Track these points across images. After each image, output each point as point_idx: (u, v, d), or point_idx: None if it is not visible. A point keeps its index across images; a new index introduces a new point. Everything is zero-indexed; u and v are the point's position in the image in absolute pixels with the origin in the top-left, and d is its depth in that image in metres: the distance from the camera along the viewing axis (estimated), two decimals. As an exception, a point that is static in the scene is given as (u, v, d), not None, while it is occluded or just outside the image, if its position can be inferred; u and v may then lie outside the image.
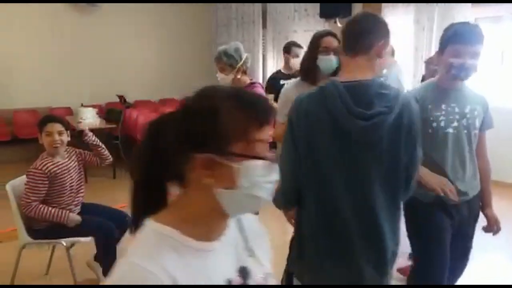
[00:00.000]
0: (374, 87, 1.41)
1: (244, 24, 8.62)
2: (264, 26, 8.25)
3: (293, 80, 2.58)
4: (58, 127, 2.74)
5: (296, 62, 4.12)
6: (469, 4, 5.32)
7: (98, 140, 3.05)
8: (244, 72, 2.82)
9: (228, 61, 2.76)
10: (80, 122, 3.01)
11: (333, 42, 2.24)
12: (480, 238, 2.19)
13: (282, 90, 2.48)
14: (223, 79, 2.82)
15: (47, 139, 2.72)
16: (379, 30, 1.50)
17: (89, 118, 6.12)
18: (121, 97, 7.25)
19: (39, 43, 7.22)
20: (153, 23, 8.48)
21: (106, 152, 3.07)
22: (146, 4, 8.24)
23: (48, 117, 2.87)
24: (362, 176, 1.42)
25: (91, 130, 5.91)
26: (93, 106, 6.55)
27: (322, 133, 1.41)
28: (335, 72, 2.17)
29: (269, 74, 7.61)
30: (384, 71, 3.09)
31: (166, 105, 7.93)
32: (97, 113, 6.36)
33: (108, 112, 6.48)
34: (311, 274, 1.52)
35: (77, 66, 7.57)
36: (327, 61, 2.22)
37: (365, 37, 1.47)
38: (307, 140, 1.43)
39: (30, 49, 7.14)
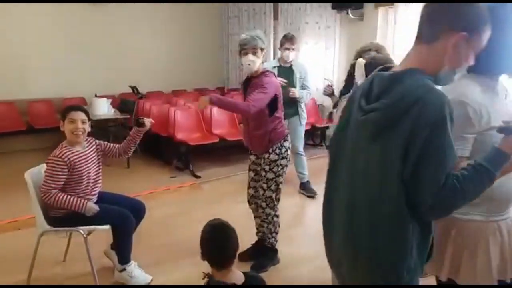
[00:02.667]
0: (393, 80, 1.29)
1: (256, 15, 8.60)
2: (276, 17, 8.23)
3: None
4: (82, 115, 2.80)
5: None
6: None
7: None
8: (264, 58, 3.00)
9: (262, 44, 2.91)
10: (150, 120, 3.07)
11: None
12: None
13: None
14: (253, 61, 2.90)
15: (69, 126, 2.76)
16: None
17: (103, 109, 6.22)
18: (133, 88, 7.33)
19: (53, 34, 7.30)
20: (165, 15, 8.51)
21: (133, 149, 3.14)
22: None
23: (72, 106, 2.93)
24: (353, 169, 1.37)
25: (104, 120, 6.09)
26: (106, 97, 6.62)
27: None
28: None
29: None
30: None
31: (178, 96, 7.97)
32: (110, 104, 6.43)
33: (122, 103, 6.55)
34: None
35: (90, 57, 7.64)
36: None
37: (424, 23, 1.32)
38: None
39: (44, 41, 7.23)
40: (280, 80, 3.56)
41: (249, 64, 2.92)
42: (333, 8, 6.77)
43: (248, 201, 3.28)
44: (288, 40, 4.61)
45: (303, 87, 4.70)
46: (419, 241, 1.29)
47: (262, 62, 3.03)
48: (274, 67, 4.59)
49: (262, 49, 2.92)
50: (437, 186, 1.18)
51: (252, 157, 3.19)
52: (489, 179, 1.24)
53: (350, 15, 6.70)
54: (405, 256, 1.27)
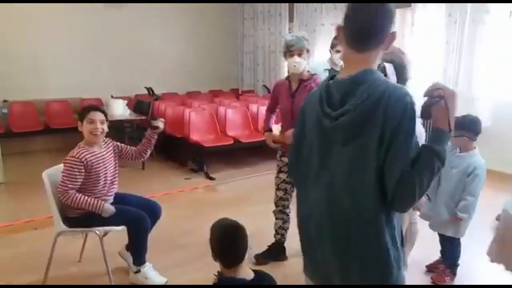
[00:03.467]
0: (354, 82, 1.33)
1: (271, 17, 8.59)
2: (291, 19, 8.21)
3: None
4: (101, 116, 2.81)
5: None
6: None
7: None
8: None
9: (308, 45, 2.91)
10: (163, 121, 3.09)
11: None
12: None
13: None
14: (299, 63, 2.90)
15: (88, 126, 2.77)
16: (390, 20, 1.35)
17: (119, 110, 6.26)
18: (149, 89, 7.37)
19: (70, 36, 7.40)
20: (181, 17, 8.56)
21: (149, 152, 3.14)
22: (174, -3, 8.31)
23: (91, 106, 2.93)
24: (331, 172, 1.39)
25: (121, 121, 6.13)
26: (122, 98, 6.67)
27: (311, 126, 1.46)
28: None
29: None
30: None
31: (192, 98, 7.99)
32: (126, 105, 6.47)
33: (137, 104, 6.59)
34: None
35: (107, 58, 7.73)
36: None
37: (373, 31, 1.33)
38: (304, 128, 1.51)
39: (62, 42, 7.33)
40: None
41: (294, 66, 2.91)
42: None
43: (275, 203, 3.25)
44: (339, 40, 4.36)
45: None
46: (397, 231, 1.36)
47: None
48: (326, 69, 4.22)
49: (308, 51, 2.92)
50: (401, 172, 1.24)
51: (286, 159, 3.13)
52: (437, 157, 1.27)
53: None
54: (391, 250, 1.33)
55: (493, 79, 5.45)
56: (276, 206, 3.25)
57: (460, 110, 2.26)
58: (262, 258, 3.20)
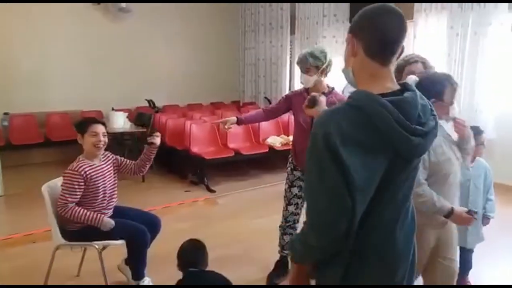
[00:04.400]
0: (418, 99, 1.25)
1: (272, 29, 8.62)
2: (292, 31, 8.23)
3: None
4: (103, 129, 2.81)
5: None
6: (506, 9, 5.16)
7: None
8: (325, 75, 2.93)
9: (314, 62, 2.86)
10: (158, 136, 3.07)
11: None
12: None
13: None
14: (307, 80, 2.90)
15: (91, 139, 2.75)
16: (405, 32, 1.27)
17: (120, 122, 6.25)
18: (150, 102, 7.37)
19: (71, 48, 7.42)
20: (182, 29, 8.59)
21: (148, 166, 3.11)
22: (175, 10, 8.37)
23: (93, 119, 2.92)
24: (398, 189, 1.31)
25: (121, 133, 6.11)
26: (123, 111, 6.66)
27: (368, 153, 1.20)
28: None
29: (296, 79, 7.58)
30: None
31: (193, 110, 7.98)
32: (127, 117, 6.46)
33: (138, 116, 6.58)
34: None
35: (107, 71, 7.74)
36: None
37: (399, 44, 1.26)
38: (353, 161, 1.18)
39: (62, 54, 7.34)
40: None
41: (302, 83, 2.98)
42: (350, 22, 6.74)
43: (286, 218, 3.16)
44: None
45: None
46: None
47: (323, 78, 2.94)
48: None
49: (317, 67, 2.85)
50: None
51: (298, 173, 3.09)
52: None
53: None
54: None
55: (496, 91, 5.44)
56: (287, 221, 3.17)
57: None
58: (273, 280, 3.15)
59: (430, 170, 2.02)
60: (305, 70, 2.88)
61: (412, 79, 2.10)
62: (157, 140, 3.05)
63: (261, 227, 3.33)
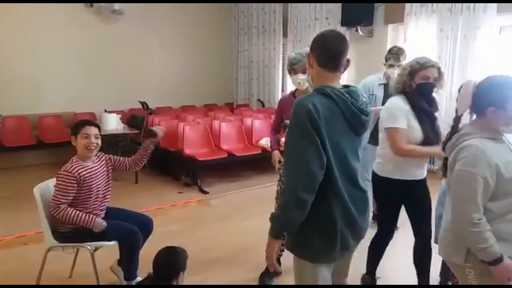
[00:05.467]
0: (360, 92, 1.80)
1: (265, 32, 8.66)
2: (285, 34, 8.28)
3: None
4: (95, 130, 2.81)
5: None
6: (495, 13, 5.24)
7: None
8: None
9: None
10: (160, 128, 3.07)
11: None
12: None
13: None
14: (303, 80, 2.86)
15: (83, 141, 2.76)
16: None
17: (113, 124, 6.24)
18: (143, 104, 7.37)
19: (64, 50, 7.40)
20: (175, 32, 8.61)
21: (145, 162, 3.13)
22: (168, 12, 8.39)
23: (86, 121, 2.93)
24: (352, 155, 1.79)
25: (114, 135, 6.11)
26: (116, 112, 6.66)
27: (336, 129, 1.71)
28: None
29: (289, 82, 7.62)
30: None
31: (187, 112, 8.00)
32: (120, 119, 6.46)
33: (131, 118, 6.58)
34: None
35: (100, 73, 7.73)
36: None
37: (343, 57, 1.76)
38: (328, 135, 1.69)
39: (55, 57, 7.33)
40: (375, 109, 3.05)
41: (299, 83, 2.90)
42: (342, 25, 6.80)
43: None
44: (393, 55, 3.84)
45: None
46: None
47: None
48: (380, 84, 3.94)
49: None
50: None
51: None
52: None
53: (360, 32, 6.73)
54: None
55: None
56: None
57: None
58: (265, 280, 3.16)
59: (504, 187, 1.72)
60: (303, 70, 2.82)
61: (471, 83, 1.90)
62: (160, 133, 3.06)
63: (254, 228, 3.35)
